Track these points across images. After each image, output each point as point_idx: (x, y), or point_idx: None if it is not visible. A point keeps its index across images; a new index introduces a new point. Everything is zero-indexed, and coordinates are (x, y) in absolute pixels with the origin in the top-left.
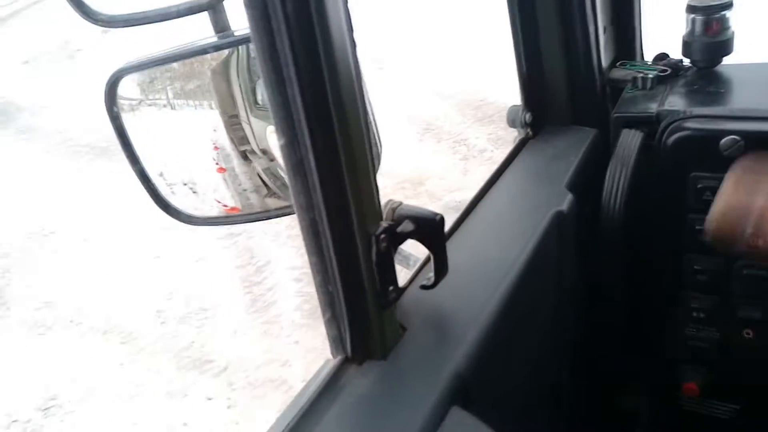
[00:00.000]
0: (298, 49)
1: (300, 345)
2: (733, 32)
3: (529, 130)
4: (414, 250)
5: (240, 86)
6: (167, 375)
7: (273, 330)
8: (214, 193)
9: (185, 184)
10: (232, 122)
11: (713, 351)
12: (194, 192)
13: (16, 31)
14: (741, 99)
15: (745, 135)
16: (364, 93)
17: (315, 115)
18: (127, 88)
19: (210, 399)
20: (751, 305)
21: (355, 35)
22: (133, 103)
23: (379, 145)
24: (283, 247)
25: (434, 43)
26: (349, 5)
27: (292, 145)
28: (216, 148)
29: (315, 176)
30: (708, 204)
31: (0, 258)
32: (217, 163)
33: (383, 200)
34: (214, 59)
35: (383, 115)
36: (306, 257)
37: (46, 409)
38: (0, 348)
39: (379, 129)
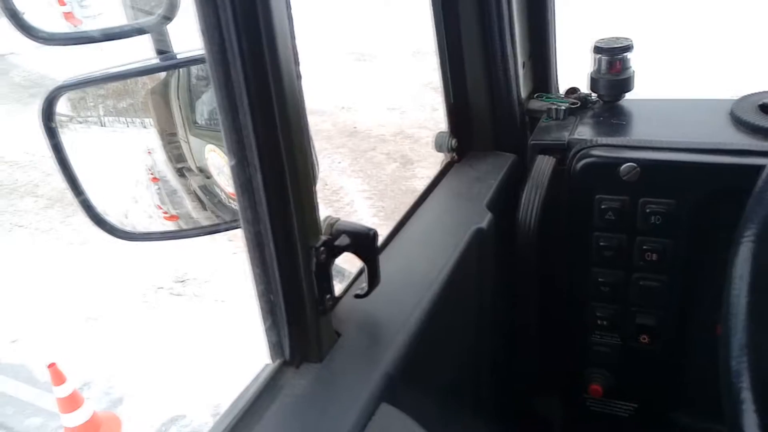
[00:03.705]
0: (250, 79)
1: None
2: (633, 71)
3: (454, 154)
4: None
5: (179, 106)
6: None
7: None
8: (149, 208)
9: (121, 200)
10: (170, 140)
11: (615, 355)
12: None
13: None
14: (639, 131)
15: (640, 163)
16: (306, 118)
17: (264, 138)
18: (61, 104)
19: None
20: (646, 313)
21: (300, 68)
22: (64, 120)
23: (317, 165)
24: (350, 178)
25: None
26: (295, 41)
27: (241, 165)
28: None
29: (262, 194)
30: (610, 223)
31: None
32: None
33: (323, 215)
34: (151, 79)
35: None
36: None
37: (182, 281)
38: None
39: (316, 151)
